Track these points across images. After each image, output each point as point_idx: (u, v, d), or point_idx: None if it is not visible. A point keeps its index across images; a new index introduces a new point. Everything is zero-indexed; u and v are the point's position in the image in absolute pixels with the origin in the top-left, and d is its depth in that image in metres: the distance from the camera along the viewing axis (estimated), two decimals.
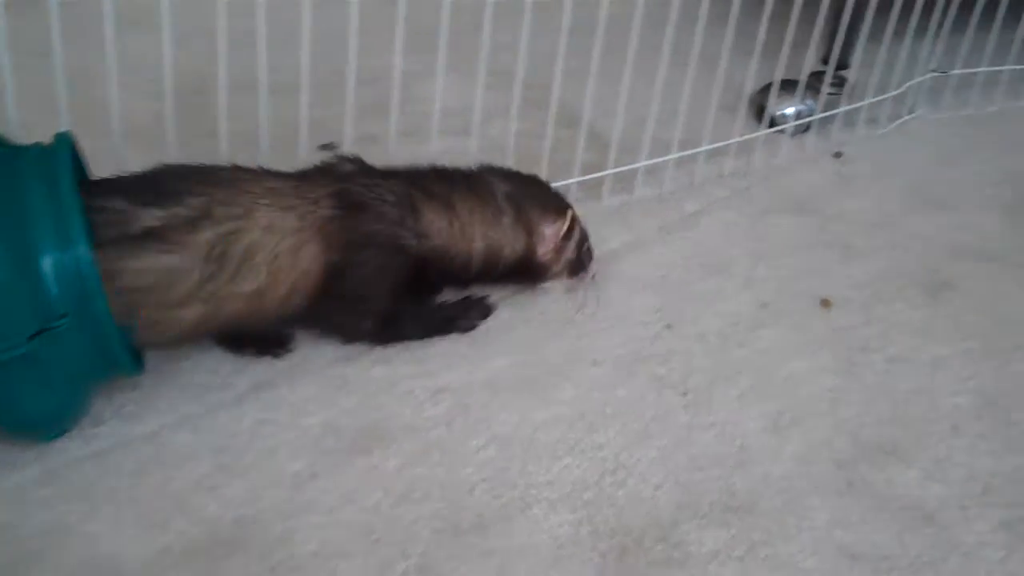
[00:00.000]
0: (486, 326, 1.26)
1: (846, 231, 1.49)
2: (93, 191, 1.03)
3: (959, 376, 1.24)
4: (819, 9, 1.54)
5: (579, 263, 1.28)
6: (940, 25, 1.70)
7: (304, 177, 1.16)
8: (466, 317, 1.26)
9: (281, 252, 1.10)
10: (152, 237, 1.03)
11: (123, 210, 1.03)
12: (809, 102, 1.67)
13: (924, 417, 1.18)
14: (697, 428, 1.13)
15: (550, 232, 1.24)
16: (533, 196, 1.26)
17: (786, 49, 1.54)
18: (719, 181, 1.57)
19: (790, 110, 1.67)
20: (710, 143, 1.54)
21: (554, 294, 1.31)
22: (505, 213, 1.23)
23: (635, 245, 1.42)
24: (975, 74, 1.81)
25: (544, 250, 1.25)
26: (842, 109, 1.69)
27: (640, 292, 1.33)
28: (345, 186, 1.16)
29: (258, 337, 1.20)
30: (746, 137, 1.59)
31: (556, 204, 1.27)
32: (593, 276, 1.29)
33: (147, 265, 1.03)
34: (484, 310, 1.27)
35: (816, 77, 1.66)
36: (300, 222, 1.11)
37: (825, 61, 1.64)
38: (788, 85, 1.65)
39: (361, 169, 1.21)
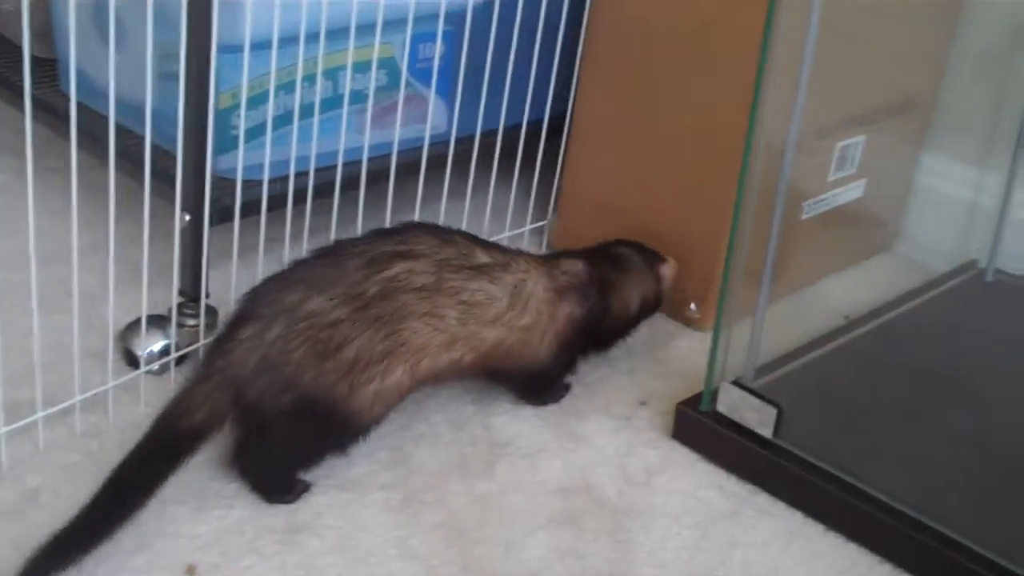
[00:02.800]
0: None
1: None
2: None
3: None
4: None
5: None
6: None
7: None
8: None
9: (543, 302, 1.43)
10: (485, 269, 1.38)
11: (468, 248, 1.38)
12: (176, 337, 1.51)
13: None
14: None
15: (667, 270, 1.59)
16: (641, 249, 1.59)
17: (144, 281, 1.39)
18: (71, 443, 1.36)
19: (157, 347, 1.50)
20: (73, 396, 1.36)
21: None
22: (643, 271, 1.57)
23: None
24: None
25: (666, 285, 1.60)
26: (203, 342, 1.53)
27: None
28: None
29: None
30: (103, 387, 1.39)
31: (653, 251, 1.60)
32: None
33: (480, 286, 1.36)
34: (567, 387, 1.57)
35: (182, 309, 1.51)
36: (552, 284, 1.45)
37: (183, 293, 1.49)
38: (157, 320, 1.50)
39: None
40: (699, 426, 1.44)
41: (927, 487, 1.36)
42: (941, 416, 1.51)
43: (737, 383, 1.42)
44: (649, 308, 1.59)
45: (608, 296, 1.51)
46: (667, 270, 1.59)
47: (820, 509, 1.36)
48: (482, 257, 1.39)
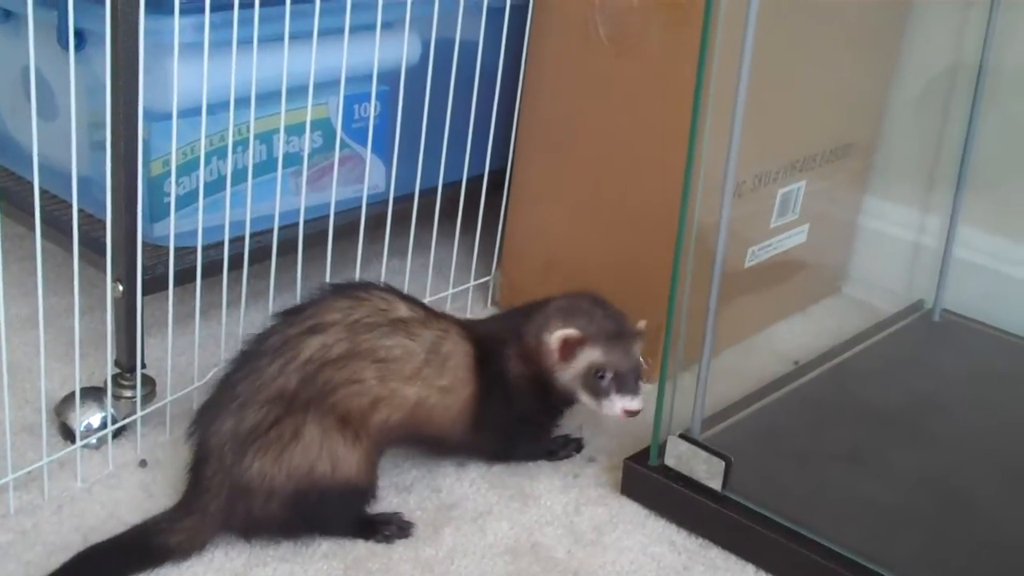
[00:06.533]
0: None
1: None
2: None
3: None
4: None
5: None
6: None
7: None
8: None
9: (461, 365, 1.38)
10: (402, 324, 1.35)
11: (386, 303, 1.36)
12: (113, 409, 1.48)
13: None
14: None
15: (554, 338, 1.39)
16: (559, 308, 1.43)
17: (77, 353, 1.37)
18: (4, 522, 1.32)
19: (94, 420, 1.47)
20: (7, 475, 1.32)
21: None
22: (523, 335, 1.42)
23: None
24: None
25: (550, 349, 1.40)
26: (140, 414, 1.50)
27: None
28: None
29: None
30: (38, 463, 1.36)
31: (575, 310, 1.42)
32: None
33: (396, 342, 1.33)
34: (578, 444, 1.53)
35: (119, 379, 1.48)
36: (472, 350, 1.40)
37: (119, 364, 1.46)
38: (93, 392, 1.46)
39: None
40: (648, 481, 1.42)
41: (878, 533, 1.35)
42: (891, 459, 1.50)
43: (684, 436, 1.40)
44: (538, 382, 1.42)
45: (510, 360, 1.42)
46: (553, 338, 1.39)
47: (772, 561, 1.34)
48: (401, 311, 1.37)
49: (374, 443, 1.34)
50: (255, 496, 1.28)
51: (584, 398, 1.40)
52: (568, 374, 1.39)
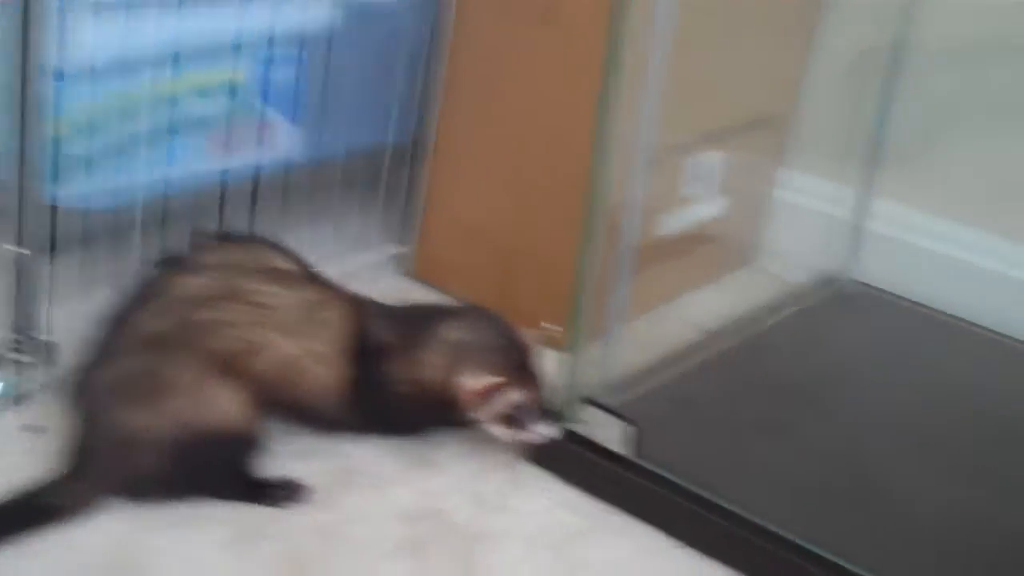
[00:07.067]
0: None
1: None
2: None
3: None
4: None
5: None
6: None
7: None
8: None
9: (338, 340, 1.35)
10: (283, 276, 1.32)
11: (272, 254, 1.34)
12: (11, 375, 1.45)
13: None
14: None
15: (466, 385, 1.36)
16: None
17: None
18: None
19: None
20: None
21: None
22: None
23: None
24: None
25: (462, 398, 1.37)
26: (39, 380, 1.47)
27: None
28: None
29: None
30: None
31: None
32: None
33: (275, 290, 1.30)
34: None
35: (20, 345, 1.45)
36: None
37: (18, 329, 1.43)
38: None
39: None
40: (554, 446, 1.42)
41: (786, 500, 1.35)
42: (800, 429, 1.51)
43: (591, 401, 1.40)
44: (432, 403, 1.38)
45: (382, 361, 1.38)
46: (473, 385, 1.35)
47: (677, 526, 1.34)
48: (284, 264, 1.34)
49: (256, 389, 1.30)
50: (134, 449, 1.24)
51: (497, 431, 1.38)
52: (483, 414, 1.37)
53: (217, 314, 1.28)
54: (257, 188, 1.59)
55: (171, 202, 1.54)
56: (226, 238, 1.38)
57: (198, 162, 1.57)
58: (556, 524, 1.35)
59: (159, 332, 1.26)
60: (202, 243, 1.35)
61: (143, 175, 1.46)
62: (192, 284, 1.29)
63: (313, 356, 1.33)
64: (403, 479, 1.40)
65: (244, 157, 1.55)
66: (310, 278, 1.37)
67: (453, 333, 1.38)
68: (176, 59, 1.44)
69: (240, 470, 1.32)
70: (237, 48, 1.53)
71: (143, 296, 1.30)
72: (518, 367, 1.38)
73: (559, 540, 1.32)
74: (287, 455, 1.40)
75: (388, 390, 1.38)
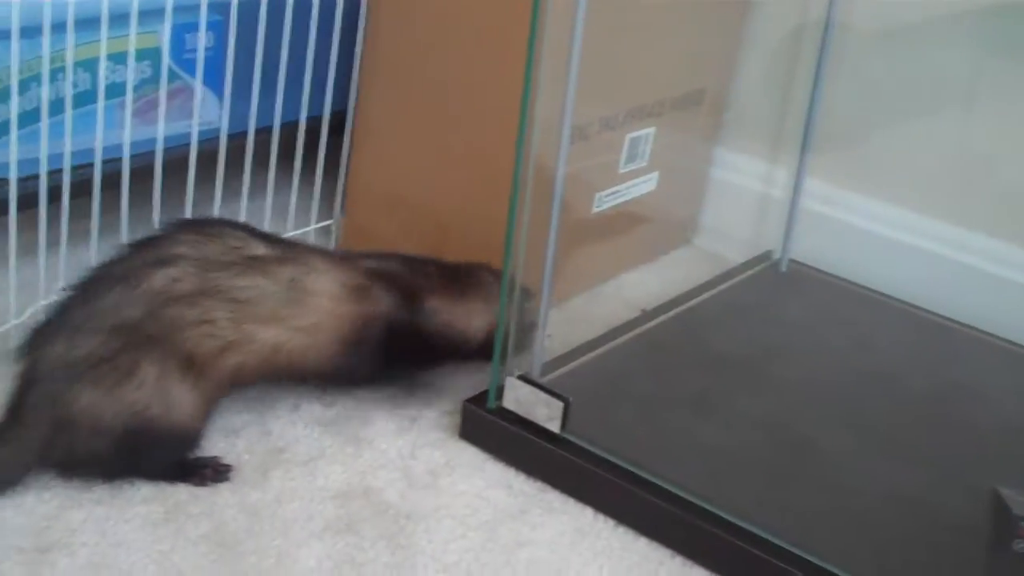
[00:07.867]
0: None
1: None
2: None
3: None
4: None
5: None
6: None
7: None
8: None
9: (328, 298, 1.35)
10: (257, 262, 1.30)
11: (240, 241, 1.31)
12: None
13: None
14: None
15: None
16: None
17: None
18: None
19: None
20: None
21: None
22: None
23: None
24: None
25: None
26: None
27: None
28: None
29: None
30: None
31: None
32: None
33: (250, 282, 1.28)
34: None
35: None
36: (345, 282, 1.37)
37: None
38: None
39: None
40: (486, 424, 1.39)
41: (719, 477, 1.34)
42: (734, 404, 1.50)
43: (523, 377, 1.38)
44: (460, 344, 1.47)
45: (421, 303, 1.43)
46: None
47: (610, 504, 1.33)
48: (257, 249, 1.32)
49: (217, 388, 1.29)
50: (79, 430, 1.21)
51: None
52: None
53: (193, 311, 1.25)
54: (176, 159, 1.54)
55: (85, 172, 1.47)
56: (197, 224, 1.34)
57: (113, 131, 1.51)
58: (489, 503, 1.32)
59: (130, 320, 1.23)
60: (174, 231, 1.31)
61: (53, 144, 1.40)
62: (167, 275, 1.25)
63: (302, 333, 1.32)
64: (333, 456, 1.36)
65: (161, 126, 1.49)
66: (283, 257, 1.34)
67: (489, 277, 1.46)
68: (89, 23, 1.39)
69: (176, 458, 1.29)
70: (153, 13, 1.48)
71: (112, 276, 1.26)
72: None
73: (492, 520, 1.30)
74: (216, 433, 1.36)
75: (430, 322, 1.43)
